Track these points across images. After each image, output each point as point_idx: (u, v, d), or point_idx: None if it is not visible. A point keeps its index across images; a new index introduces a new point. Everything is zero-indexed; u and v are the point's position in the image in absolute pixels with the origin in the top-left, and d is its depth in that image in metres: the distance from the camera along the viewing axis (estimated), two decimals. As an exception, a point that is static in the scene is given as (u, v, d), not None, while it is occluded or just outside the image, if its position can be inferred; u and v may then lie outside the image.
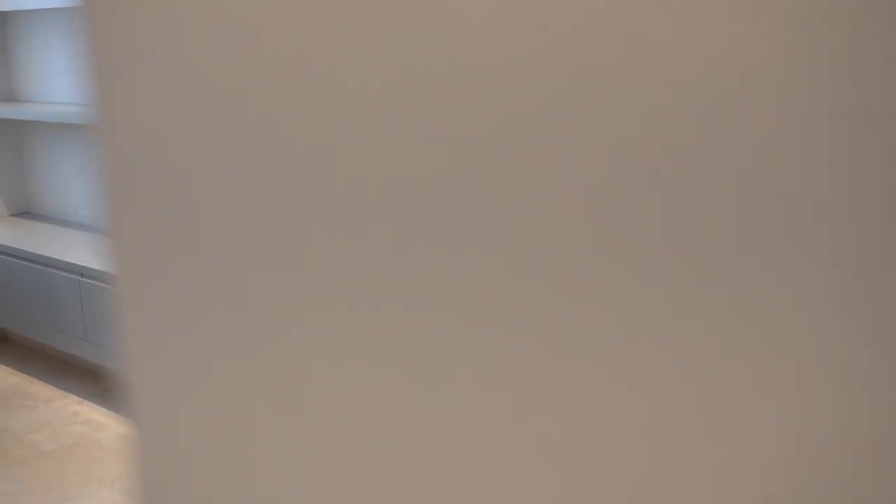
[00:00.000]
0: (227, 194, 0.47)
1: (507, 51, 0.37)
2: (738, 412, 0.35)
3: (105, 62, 0.51)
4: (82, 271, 3.15)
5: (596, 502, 0.39)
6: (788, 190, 0.33)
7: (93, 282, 3.12)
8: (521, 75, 0.37)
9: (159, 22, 0.48)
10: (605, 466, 0.39)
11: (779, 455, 0.35)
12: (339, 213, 0.44)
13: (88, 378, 3.52)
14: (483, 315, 0.40)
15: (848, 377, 0.33)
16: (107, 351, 3.13)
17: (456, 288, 0.41)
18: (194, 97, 0.47)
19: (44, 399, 3.36)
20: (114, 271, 0.55)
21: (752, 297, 0.34)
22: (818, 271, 0.33)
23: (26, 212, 4.03)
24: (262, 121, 0.45)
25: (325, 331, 0.45)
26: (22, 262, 3.41)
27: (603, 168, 0.36)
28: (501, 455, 0.41)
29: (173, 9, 0.47)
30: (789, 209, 0.33)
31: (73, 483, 2.73)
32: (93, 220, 3.72)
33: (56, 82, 3.74)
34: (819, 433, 0.34)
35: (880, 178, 0.31)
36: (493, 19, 0.38)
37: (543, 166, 0.38)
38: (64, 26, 3.63)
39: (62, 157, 3.80)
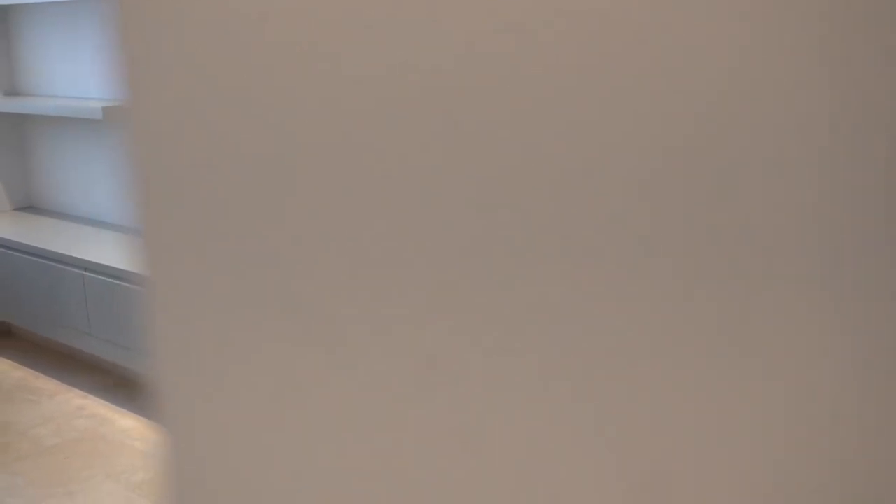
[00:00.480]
0: (263, 190, 0.47)
1: (511, 47, 0.37)
2: (736, 413, 0.35)
3: (136, 57, 0.51)
4: (86, 266, 3.16)
5: (596, 502, 0.39)
6: (788, 190, 0.33)
7: (97, 276, 3.12)
8: (527, 71, 0.37)
9: (186, 20, 0.47)
10: (605, 466, 0.38)
11: (778, 456, 0.35)
12: (379, 211, 0.43)
13: (93, 372, 3.53)
14: (489, 315, 0.40)
15: (847, 377, 0.33)
16: (121, 349, 3.13)
17: (462, 287, 0.41)
18: (226, 91, 0.47)
19: (48, 393, 3.36)
20: (145, 272, 0.55)
21: (751, 298, 0.34)
22: (816, 271, 0.33)
23: (29, 206, 4.04)
24: (290, 117, 0.45)
25: (369, 331, 0.45)
26: (25, 257, 3.42)
27: (606, 167, 0.36)
28: (515, 454, 0.41)
29: (200, 6, 0.47)
30: (789, 210, 0.33)
31: (78, 477, 2.74)
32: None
33: (59, 76, 3.74)
34: (818, 434, 0.34)
35: (879, 179, 0.31)
36: (500, 14, 0.37)
37: (550, 163, 0.37)
38: (66, 20, 3.62)
39: (65, 151, 3.80)
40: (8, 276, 3.53)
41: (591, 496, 0.39)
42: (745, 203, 0.33)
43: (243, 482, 0.52)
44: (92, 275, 3.14)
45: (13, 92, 3.96)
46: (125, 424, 3.09)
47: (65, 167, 3.83)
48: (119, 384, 3.42)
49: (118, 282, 3.04)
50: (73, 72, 3.67)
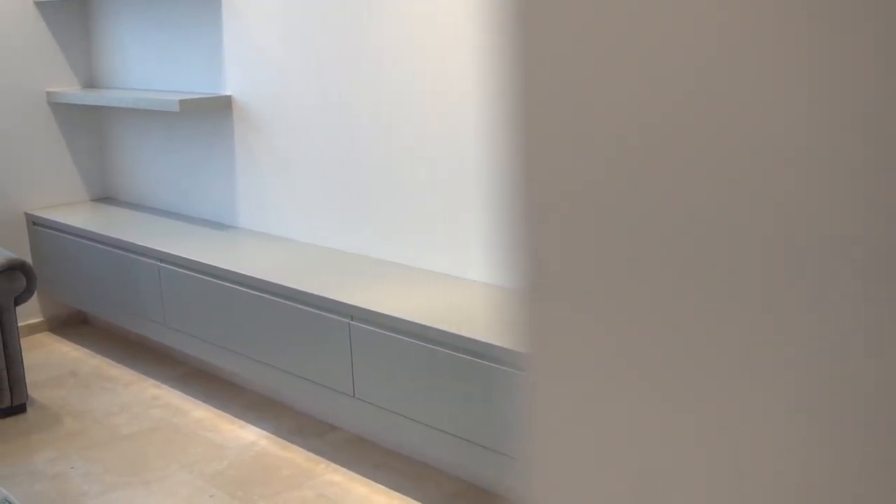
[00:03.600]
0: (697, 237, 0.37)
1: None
2: (737, 414, 0.34)
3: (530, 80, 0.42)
4: (161, 257, 3.19)
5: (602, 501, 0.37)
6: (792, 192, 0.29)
7: (172, 267, 3.16)
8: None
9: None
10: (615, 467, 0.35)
11: (777, 456, 0.34)
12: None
13: (167, 362, 3.57)
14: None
15: (846, 379, 0.31)
16: (195, 340, 3.16)
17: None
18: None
19: (123, 382, 3.41)
20: (527, 346, 0.42)
21: (750, 299, 0.33)
22: (813, 271, 0.31)
23: (106, 197, 4.11)
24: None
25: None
26: (102, 247, 3.47)
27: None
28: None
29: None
30: (790, 212, 0.31)
31: (154, 466, 2.77)
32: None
33: (136, 68, 3.79)
34: (817, 434, 0.32)
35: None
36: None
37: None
38: (144, 12, 3.67)
39: (142, 143, 3.86)
40: (85, 266, 3.59)
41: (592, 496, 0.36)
42: (748, 204, 0.30)
43: None
44: (168, 266, 3.17)
45: (91, 84, 4.03)
46: (198, 415, 3.12)
47: (141, 159, 3.88)
48: (192, 375, 3.46)
49: (193, 273, 3.06)
50: (150, 64, 3.71)
